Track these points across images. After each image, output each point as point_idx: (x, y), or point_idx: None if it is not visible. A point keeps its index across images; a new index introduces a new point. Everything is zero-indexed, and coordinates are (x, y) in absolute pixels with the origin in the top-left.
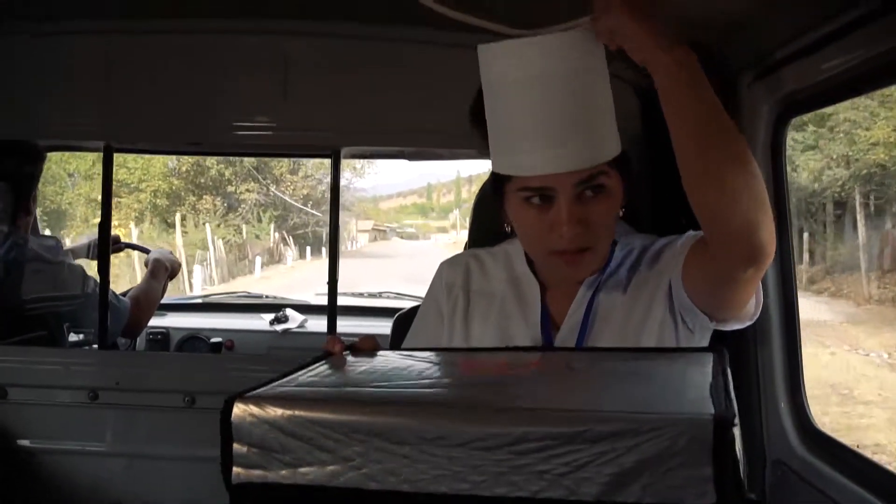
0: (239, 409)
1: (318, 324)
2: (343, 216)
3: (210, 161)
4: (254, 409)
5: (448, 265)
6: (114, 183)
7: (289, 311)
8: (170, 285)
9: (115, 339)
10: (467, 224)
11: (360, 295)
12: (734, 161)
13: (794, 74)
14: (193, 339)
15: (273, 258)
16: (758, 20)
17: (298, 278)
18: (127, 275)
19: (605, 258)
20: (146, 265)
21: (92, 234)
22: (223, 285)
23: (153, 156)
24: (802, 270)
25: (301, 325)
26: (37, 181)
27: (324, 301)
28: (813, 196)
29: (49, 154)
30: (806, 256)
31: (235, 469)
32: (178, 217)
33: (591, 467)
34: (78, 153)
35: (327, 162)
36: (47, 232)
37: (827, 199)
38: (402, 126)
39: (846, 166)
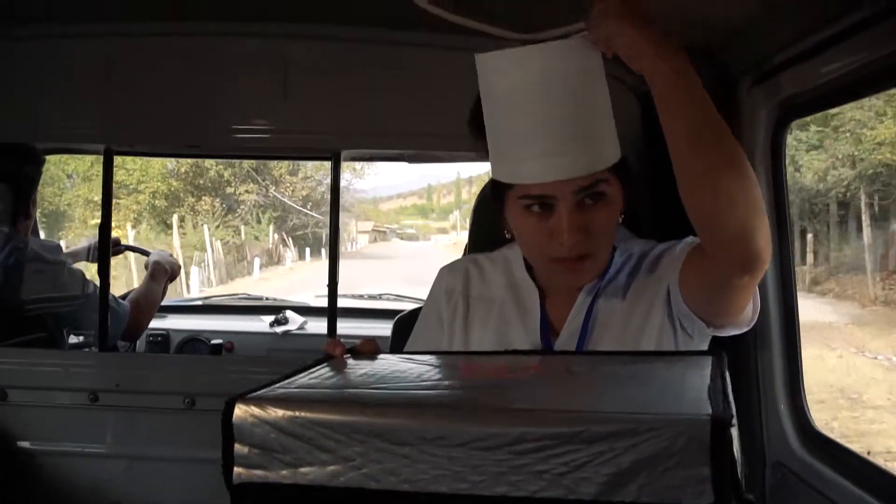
0: (240, 410)
1: (318, 326)
2: (343, 217)
3: (209, 162)
4: (255, 409)
5: (448, 271)
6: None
7: (289, 313)
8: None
9: (114, 343)
10: (467, 225)
11: (360, 297)
12: (730, 167)
13: (793, 78)
14: (193, 341)
15: (272, 260)
16: (757, 25)
17: (297, 280)
18: (123, 276)
19: (605, 264)
20: (146, 267)
21: (91, 236)
22: (221, 287)
23: (152, 157)
24: (806, 271)
25: (301, 327)
26: (36, 184)
27: (324, 303)
28: (817, 196)
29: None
30: (810, 257)
31: (236, 469)
32: (175, 218)
33: (590, 467)
34: (77, 154)
35: (327, 163)
36: (43, 234)
37: (831, 200)
38: (402, 129)
39: (851, 166)
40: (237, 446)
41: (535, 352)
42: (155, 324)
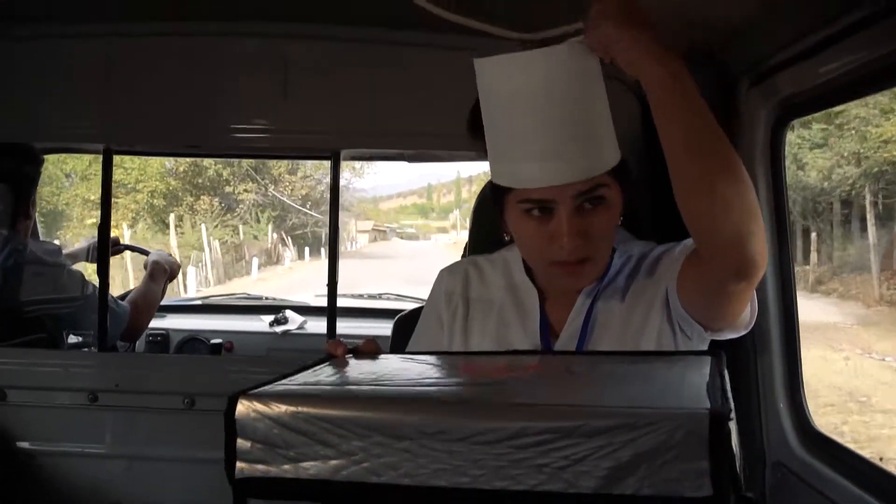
0: (243, 406)
1: (318, 325)
2: (343, 216)
3: (208, 161)
4: (257, 405)
5: (447, 273)
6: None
7: (288, 313)
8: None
9: (114, 343)
10: (467, 224)
11: (360, 296)
12: (726, 172)
13: (792, 78)
14: (193, 341)
15: (271, 259)
16: (756, 25)
17: (296, 279)
18: (119, 276)
19: (605, 267)
20: (145, 267)
21: (91, 236)
22: (219, 287)
23: (151, 157)
24: (809, 271)
25: (301, 327)
26: (36, 185)
27: (323, 302)
28: (821, 195)
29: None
30: (814, 257)
31: (239, 464)
32: (171, 217)
33: (589, 461)
34: (76, 154)
35: (326, 162)
36: (41, 234)
37: (835, 198)
38: (402, 128)
39: (856, 164)
40: (240, 441)
41: (535, 352)
42: (154, 324)
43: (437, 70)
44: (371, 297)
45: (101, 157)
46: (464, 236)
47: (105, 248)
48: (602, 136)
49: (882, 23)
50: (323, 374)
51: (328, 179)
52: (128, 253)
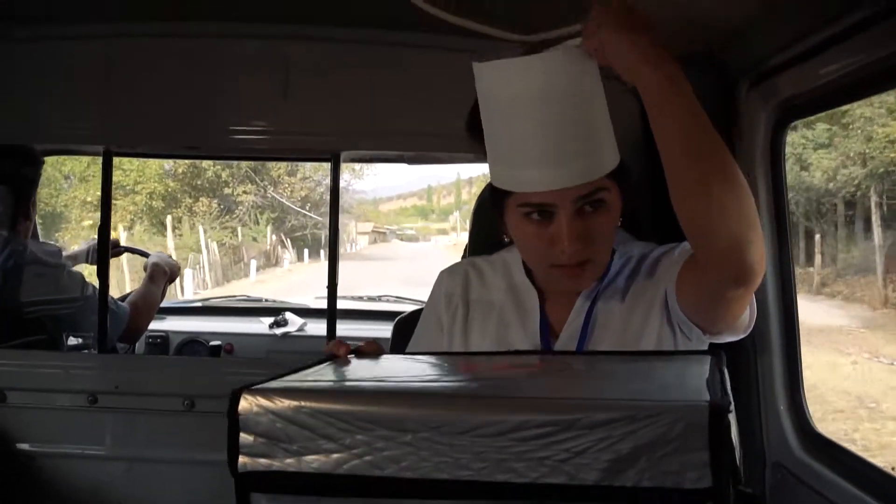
0: (246, 401)
1: (318, 327)
2: (343, 218)
3: (207, 163)
4: (261, 400)
5: (447, 274)
6: None
7: (288, 315)
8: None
9: (113, 345)
10: (467, 226)
11: (360, 298)
12: (722, 176)
13: (792, 79)
14: (193, 343)
15: (270, 261)
16: (756, 26)
17: (295, 282)
18: (116, 278)
19: (605, 268)
20: (145, 269)
21: (91, 238)
22: (217, 290)
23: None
24: (814, 273)
25: (300, 329)
26: (36, 186)
27: (323, 304)
28: (825, 196)
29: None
30: (818, 259)
31: (242, 459)
32: (168, 219)
33: (590, 453)
34: (76, 155)
35: (326, 164)
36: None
37: (840, 199)
38: (402, 130)
39: (862, 165)
40: (242, 436)
41: (536, 352)
42: (154, 325)
43: (437, 71)
44: (371, 299)
45: (99, 159)
46: (464, 238)
47: (105, 250)
48: (601, 139)
49: (882, 24)
50: (325, 373)
51: (328, 181)
52: (124, 255)
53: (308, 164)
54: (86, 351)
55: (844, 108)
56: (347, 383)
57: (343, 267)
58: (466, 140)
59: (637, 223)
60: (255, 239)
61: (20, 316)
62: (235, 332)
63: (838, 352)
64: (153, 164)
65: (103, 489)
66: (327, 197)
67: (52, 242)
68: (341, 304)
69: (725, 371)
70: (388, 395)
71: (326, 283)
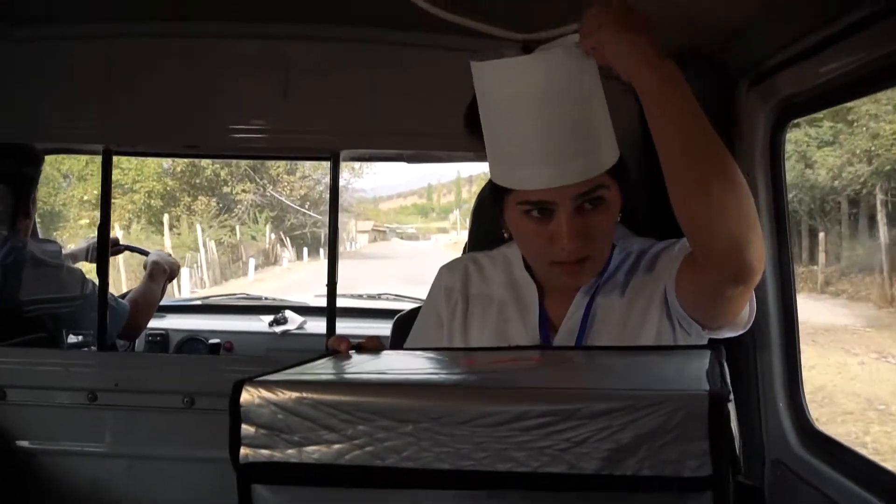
0: (248, 393)
1: (318, 325)
2: (342, 217)
3: (205, 161)
4: (262, 391)
5: (447, 270)
6: None
7: (288, 313)
8: None
9: (113, 341)
10: (467, 225)
11: (360, 296)
12: (721, 176)
13: (791, 78)
14: (192, 341)
15: (269, 260)
16: (755, 25)
17: (294, 280)
18: (112, 276)
19: (605, 263)
20: (144, 267)
21: (91, 237)
22: (215, 289)
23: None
24: (818, 272)
25: (300, 327)
26: (36, 184)
27: (323, 303)
28: (830, 194)
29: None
30: (822, 257)
31: (243, 450)
32: (165, 218)
33: (590, 443)
34: (75, 154)
35: (325, 163)
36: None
37: (844, 197)
38: (402, 129)
39: (868, 162)
40: (244, 427)
41: (536, 347)
42: (154, 323)
43: (436, 70)
44: (370, 297)
45: (97, 158)
46: (464, 236)
47: (105, 249)
48: (601, 137)
49: (882, 23)
50: (326, 367)
51: (327, 179)
52: (120, 255)
53: (307, 163)
54: (85, 349)
55: (849, 104)
56: (349, 375)
57: (343, 265)
58: (466, 139)
59: (636, 221)
60: (253, 238)
61: (20, 313)
62: (235, 330)
63: (845, 352)
64: (152, 162)
65: (103, 486)
66: (327, 195)
67: (52, 240)
68: (341, 303)
69: (725, 364)
70: (390, 386)
71: (326, 282)
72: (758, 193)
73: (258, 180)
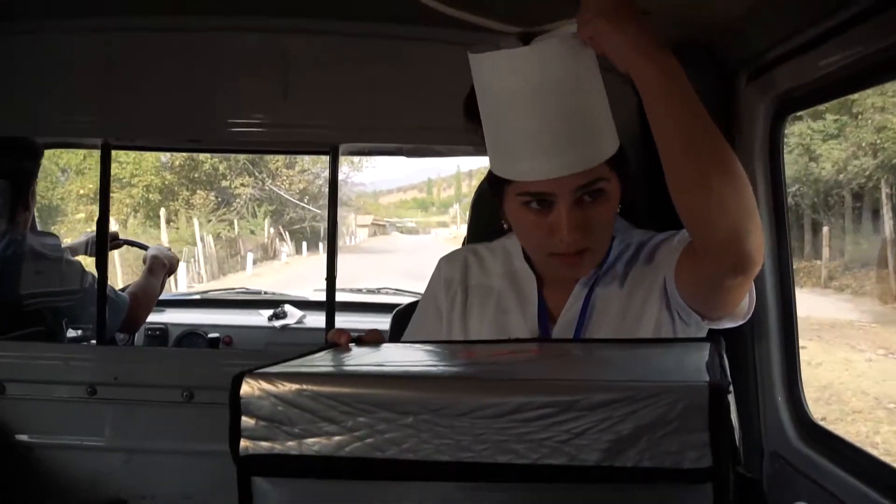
0: (248, 385)
1: (317, 320)
2: (342, 211)
3: (204, 155)
4: (262, 383)
5: (446, 261)
6: None
7: (287, 307)
8: None
9: (113, 335)
10: (467, 219)
11: (359, 291)
12: (721, 169)
13: (790, 72)
14: (192, 335)
15: (267, 254)
16: (754, 18)
17: (293, 275)
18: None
19: (604, 255)
20: (144, 262)
21: (90, 231)
22: (212, 283)
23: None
24: (821, 266)
25: (300, 321)
26: (35, 177)
27: (322, 297)
28: (835, 187)
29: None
30: (826, 252)
31: (243, 442)
32: (162, 212)
33: (590, 434)
34: (74, 149)
35: (325, 156)
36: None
37: (849, 191)
38: (401, 123)
39: (873, 155)
40: (244, 419)
41: (536, 340)
42: (153, 317)
43: (436, 65)
44: (370, 291)
45: (95, 152)
46: (463, 231)
47: (104, 243)
48: (600, 127)
49: (881, 16)
50: (326, 359)
51: (326, 174)
52: (117, 250)
53: (306, 157)
54: (85, 343)
55: (854, 96)
56: (348, 367)
57: (342, 260)
58: (465, 133)
59: (636, 212)
60: (252, 232)
61: (20, 307)
62: (234, 324)
63: (851, 348)
64: (150, 156)
65: (102, 480)
66: (326, 189)
67: (52, 233)
68: (340, 297)
69: (724, 356)
70: (390, 377)
71: (325, 276)
72: (757, 186)
73: (257, 174)
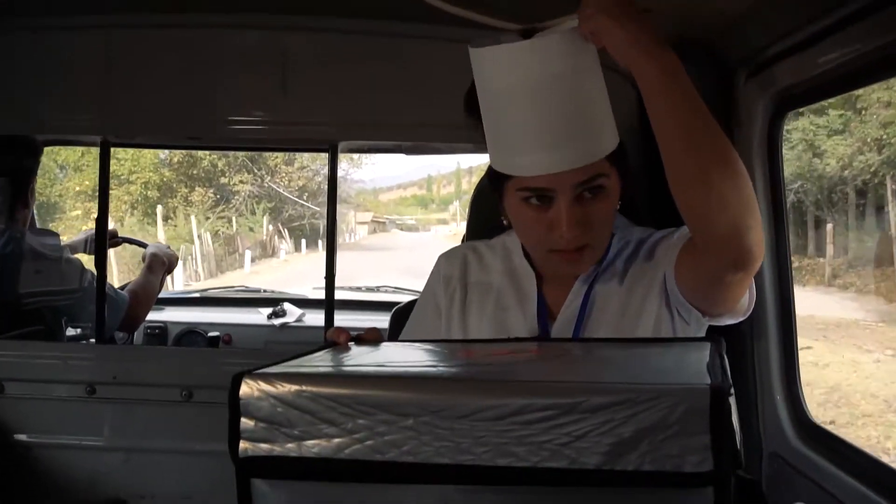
0: (247, 386)
1: (316, 318)
2: (341, 208)
3: (203, 152)
4: (262, 384)
5: (446, 258)
6: None
7: (286, 306)
8: None
9: (112, 333)
10: (467, 215)
11: (359, 289)
12: (721, 166)
13: (789, 70)
14: (191, 334)
15: (266, 252)
16: (753, 15)
17: (292, 272)
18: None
19: (604, 252)
20: (143, 259)
21: (89, 229)
22: (209, 281)
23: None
24: (825, 264)
25: (299, 320)
26: (34, 174)
27: (322, 295)
28: (839, 184)
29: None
30: (830, 249)
31: (242, 444)
32: (159, 209)
33: (591, 437)
34: (73, 146)
35: (324, 153)
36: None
37: (853, 187)
38: (400, 120)
39: (878, 151)
40: (243, 420)
41: (536, 339)
42: (153, 316)
43: (436, 62)
44: (369, 289)
45: (94, 148)
46: (463, 228)
47: (103, 240)
48: (600, 122)
49: (880, 13)
50: (325, 359)
51: (325, 170)
52: (113, 249)
53: (306, 154)
54: (84, 341)
55: (859, 91)
56: (348, 368)
57: (342, 257)
58: (465, 131)
59: (635, 208)
60: (251, 229)
61: (19, 306)
62: (234, 322)
63: (858, 348)
64: (148, 153)
65: (101, 479)
66: (325, 186)
67: (51, 231)
68: (340, 295)
69: (725, 357)
70: (390, 379)
71: (324, 274)
72: (756, 184)
73: (256, 171)
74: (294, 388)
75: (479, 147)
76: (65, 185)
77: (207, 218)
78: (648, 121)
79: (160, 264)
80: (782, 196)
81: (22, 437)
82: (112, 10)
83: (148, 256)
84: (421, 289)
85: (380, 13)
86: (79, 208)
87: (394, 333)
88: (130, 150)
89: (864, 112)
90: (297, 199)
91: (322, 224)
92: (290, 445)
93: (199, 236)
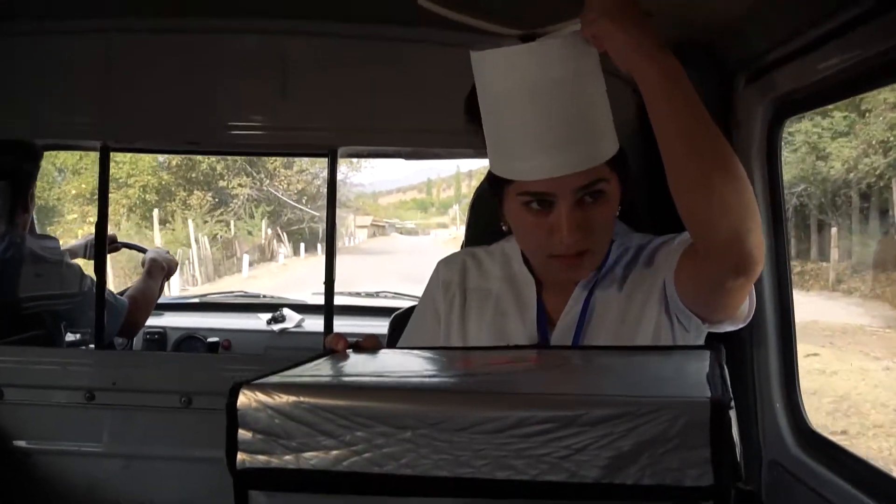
0: (244, 397)
1: (316, 323)
2: (341, 212)
3: (201, 156)
4: (259, 395)
5: (445, 264)
6: None
7: (286, 311)
8: None
9: (111, 339)
10: (466, 220)
11: (358, 294)
12: (722, 171)
13: (789, 75)
14: (190, 339)
15: (264, 256)
16: (753, 21)
17: (290, 277)
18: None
19: (604, 257)
20: (142, 265)
21: (88, 234)
22: (206, 286)
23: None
24: (829, 269)
25: (298, 325)
26: (34, 179)
27: (321, 300)
28: (844, 187)
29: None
30: (834, 254)
31: (240, 455)
32: (155, 213)
33: (591, 450)
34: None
35: (323, 158)
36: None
37: (857, 191)
38: (400, 125)
39: (884, 154)
40: (241, 432)
41: (536, 346)
42: (152, 321)
43: (435, 67)
44: (369, 295)
45: (92, 153)
46: (463, 231)
47: (102, 245)
48: (601, 127)
49: (880, 19)
50: (323, 368)
51: (324, 174)
52: (111, 255)
53: (305, 158)
54: (83, 347)
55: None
56: (346, 379)
57: (341, 261)
58: (465, 135)
59: (636, 213)
60: (249, 233)
61: (19, 310)
62: (233, 328)
63: (865, 356)
64: (147, 156)
65: (100, 486)
66: (324, 190)
67: (51, 236)
68: (339, 301)
69: (725, 366)
70: (388, 391)
71: (322, 279)
72: (755, 189)
73: (255, 175)
74: (292, 399)
75: (480, 152)
76: (63, 189)
77: (205, 221)
78: (649, 126)
79: (159, 269)
80: (781, 202)
81: (21, 443)
82: (112, 15)
83: (147, 262)
84: (420, 293)
85: (379, 18)
86: (75, 212)
87: (392, 340)
88: (129, 154)
89: (869, 114)
90: (295, 204)
91: (321, 228)
92: (287, 457)
93: (197, 240)
